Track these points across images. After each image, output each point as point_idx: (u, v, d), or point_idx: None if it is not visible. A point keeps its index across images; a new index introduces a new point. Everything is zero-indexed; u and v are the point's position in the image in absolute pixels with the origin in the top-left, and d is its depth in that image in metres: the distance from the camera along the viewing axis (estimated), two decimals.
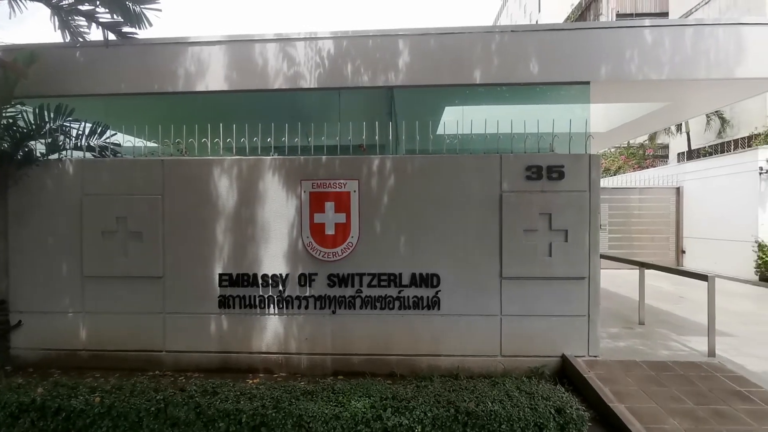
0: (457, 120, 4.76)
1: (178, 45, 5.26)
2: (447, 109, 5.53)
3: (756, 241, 9.73)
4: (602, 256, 7.49)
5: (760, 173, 9.76)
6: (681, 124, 18.13)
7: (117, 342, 4.82)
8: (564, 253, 4.56)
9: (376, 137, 4.73)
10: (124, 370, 4.71)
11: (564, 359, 4.54)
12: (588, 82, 4.88)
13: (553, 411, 3.14)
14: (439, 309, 4.65)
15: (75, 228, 4.82)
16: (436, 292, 4.65)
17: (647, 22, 4.83)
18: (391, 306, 4.67)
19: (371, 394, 3.33)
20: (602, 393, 3.77)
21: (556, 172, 4.56)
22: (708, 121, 17.00)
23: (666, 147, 22.11)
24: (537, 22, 37.33)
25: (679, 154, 20.06)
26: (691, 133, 17.91)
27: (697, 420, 3.37)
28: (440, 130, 4.78)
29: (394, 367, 4.64)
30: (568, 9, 30.99)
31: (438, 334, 4.65)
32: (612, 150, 25.62)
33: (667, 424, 3.33)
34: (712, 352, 4.63)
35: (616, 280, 9.47)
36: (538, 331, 4.59)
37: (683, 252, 12.52)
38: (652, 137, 19.15)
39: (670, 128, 18.74)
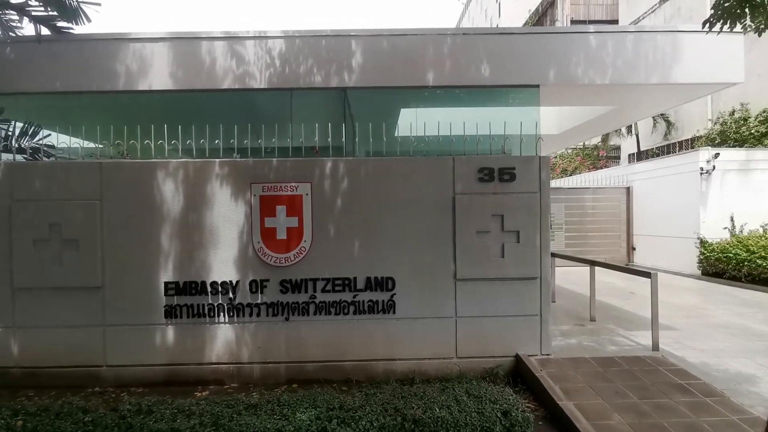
0: (411, 122, 4.75)
1: (119, 41, 4.98)
2: (402, 111, 5.52)
3: (698, 238, 10.28)
4: (556, 255, 7.72)
5: (701, 173, 10.33)
6: (631, 127, 18.99)
7: (53, 358, 4.50)
8: (516, 254, 4.62)
9: (329, 139, 4.65)
10: (60, 388, 4.39)
11: (518, 359, 4.60)
12: (538, 86, 4.98)
13: (499, 414, 3.15)
14: (394, 313, 4.61)
15: (3, 236, 4.46)
16: (392, 296, 4.61)
17: (591, 28, 5.00)
18: (345, 311, 4.59)
19: (318, 405, 3.23)
20: (552, 391, 3.84)
21: (507, 174, 4.61)
22: (654, 123, 17.89)
23: (618, 148, 23.12)
24: (497, 26, 38.21)
25: (630, 155, 20.99)
26: (639, 135, 18.78)
27: (640, 414, 3.48)
28: (395, 132, 4.76)
29: (349, 373, 4.56)
30: (527, 14, 31.94)
31: (393, 338, 4.60)
32: (569, 151, 26.57)
33: (612, 419, 3.42)
34: (655, 346, 4.82)
35: (571, 278, 9.76)
36: (493, 331, 4.63)
37: (634, 249, 13.10)
38: (605, 139, 19.98)
39: (621, 130, 19.61)
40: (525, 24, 30.14)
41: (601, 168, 19.71)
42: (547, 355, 4.68)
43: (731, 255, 9.26)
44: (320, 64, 4.94)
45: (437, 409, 3.13)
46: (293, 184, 4.56)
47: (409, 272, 4.60)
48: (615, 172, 14.32)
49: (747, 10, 3.51)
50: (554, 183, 18.35)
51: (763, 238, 9.21)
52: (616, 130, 19.71)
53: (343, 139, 4.70)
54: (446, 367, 4.60)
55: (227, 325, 4.56)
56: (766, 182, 10.43)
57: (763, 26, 3.60)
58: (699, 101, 17.04)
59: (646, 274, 4.90)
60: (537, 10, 29.12)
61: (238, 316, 4.55)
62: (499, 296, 4.63)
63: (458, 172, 4.60)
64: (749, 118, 13.63)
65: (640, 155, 19.22)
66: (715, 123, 14.85)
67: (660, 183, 11.92)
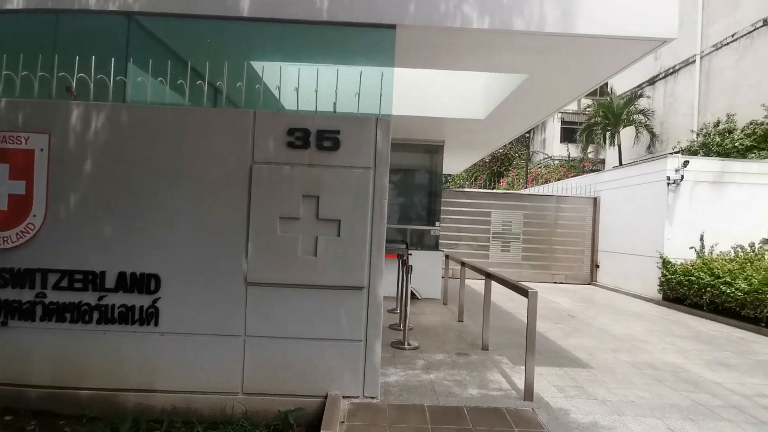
0: (207, 63, 3.44)
1: None
2: (203, 50, 4.17)
3: (660, 257, 8.88)
4: (463, 262, 6.36)
5: (668, 183, 8.95)
6: (614, 138, 17.69)
7: None
8: (335, 252, 3.27)
9: (88, 77, 3.34)
10: None
11: (327, 401, 3.23)
12: (394, 26, 3.65)
13: None
14: (157, 325, 3.25)
15: None
16: (154, 301, 3.25)
17: None
18: (87, 318, 3.24)
19: None
20: None
21: (330, 139, 3.28)
22: (637, 134, 16.62)
23: (603, 162, 21.80)
24: None
25: (614, 167, 19.64)
26: (622, 147, 17.44)
27: None
28: (187, 79, 3.43)
29: (85, 407, 3.20)
30: None
31: (154, 360, 3.25)
32: (555, 162, 25.34)
33: None
34: (529, 394, 3.42)
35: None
36: (297, 360, 3.27)
37: (597, 266, 11.70)
38: (585, 149, 18.66)
39: (603, 142, 18.36)
40: None
41: None
42: (372, 398, 3.31)
43: (693, 278, 7.85)
44: None
45: None
46: (22, 135, 3.23)
47: (183, 269, 3.26)
48: (584, 180, 12.99)
49: None
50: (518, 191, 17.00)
51: (732, 261, 7.81)
52: (599, 142, 18.46)
53: (112, 79, 3.36)
54: (227, 405, 3.24)
55: None
56: (743, 198, 9.03)
57: None
58: (687, 113, 15.69)
59: (523, 292, 3.53)
60: None
61: None
62: (309, 310, 3.28)
63: (260, 131, 3.27)
64: (735, 130, 12.27)
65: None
66: (698, 134, 13.50)
67: (627, 193, 10.55)
